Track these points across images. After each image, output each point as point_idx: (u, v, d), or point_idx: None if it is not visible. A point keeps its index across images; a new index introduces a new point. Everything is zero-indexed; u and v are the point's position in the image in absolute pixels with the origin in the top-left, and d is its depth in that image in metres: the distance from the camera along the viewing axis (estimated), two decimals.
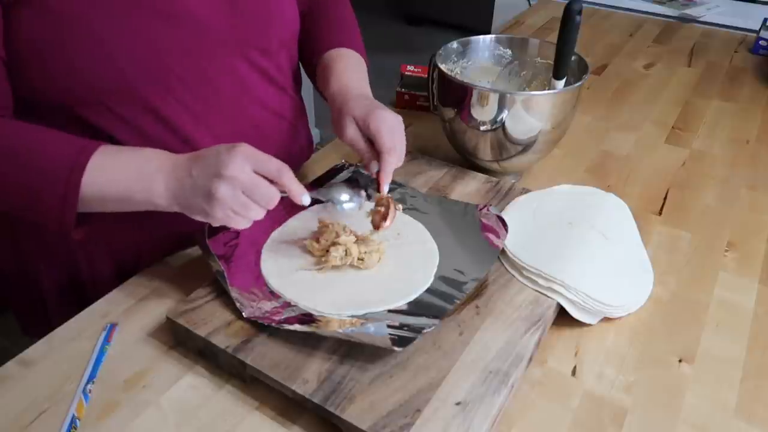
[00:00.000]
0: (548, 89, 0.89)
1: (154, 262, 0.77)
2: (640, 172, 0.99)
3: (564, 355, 0.67)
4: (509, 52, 1.00)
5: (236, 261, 0.70)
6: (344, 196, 0.70)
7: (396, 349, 0.57)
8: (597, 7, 1.78)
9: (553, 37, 0.87)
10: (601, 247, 0.76)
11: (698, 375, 0.65)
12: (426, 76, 0.96)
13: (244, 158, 0.59)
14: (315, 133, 2.21)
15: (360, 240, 0.71)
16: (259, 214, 0.62)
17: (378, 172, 0.71)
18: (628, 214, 0.83)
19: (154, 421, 0.58)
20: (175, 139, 0.71)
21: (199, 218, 0.62)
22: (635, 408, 0.61)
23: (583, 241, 0.76)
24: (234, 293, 0.65)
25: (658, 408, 0.62)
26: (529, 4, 2.02)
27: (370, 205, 0.73)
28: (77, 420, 0.58)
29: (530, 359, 0.63)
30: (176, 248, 0.79)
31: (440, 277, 0.69)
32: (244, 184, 0.59)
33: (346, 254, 0.69)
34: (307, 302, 0.65)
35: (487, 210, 0.78)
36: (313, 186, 0.84)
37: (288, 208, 0.73)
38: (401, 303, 0.65)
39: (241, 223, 0.62)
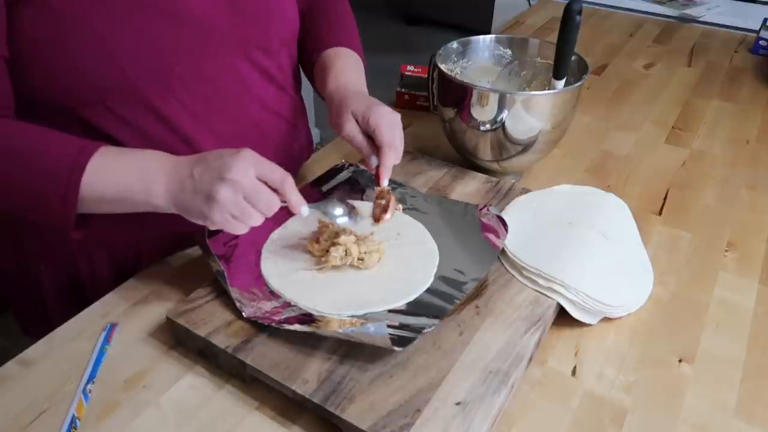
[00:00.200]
0: (548, 89, 0.89)
1: (153, 262, 0.77)
2: (640, 172, 0.99)
3: (564, 355, 0.67)
4: (509, 52, 1.00)
5: (236, 261, 0.70)
6: (338, 210, 0.70)
7: (396, 349, 0.57)
8: (597, 7, 1.78)
9: (553, 37, 0.87)
10: (601, 247, 0.76)
11: (698, 375, 0.65)
12: (426, 76, 0.96)
13: (248, 164, 0.59)
14: (315, 133, 2.21)
15: (360, 240, 0.71)
16: (258, 220, 0.62)
17: (378, 167, 0.72)
18: (628, 214, 0.83)
19: (154, 421, 0.58)
20: (175, 138, 0.71)
21: (196, 221, 0.62)
22: (635, 408, 0.61)
23: (583, 241, 0.76)
24: (234, 293, 0.65)
25: (658, 408, 0.62)
26: (529, 4, 2.02)
27: (363, 223, 0.73)
28: (77, 420, 0.58)
29: (530, 359, 0.63)
30: (176, 248, 0.79)
31: (440, 277, 0.69)
32: (246, 190, 0.59)
33: (346, 254, 0.69)
34: (307, 302, 0.65)
35: (487, 210, 0.78)
36: (313, 185, 0.84)
37: (288, 208, 0.73)
38: (401, 303, 0.65)
39: (238, 228, 0.62)
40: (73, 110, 0.66)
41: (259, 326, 0.63)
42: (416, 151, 0.96)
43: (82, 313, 0.70)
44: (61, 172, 0.60)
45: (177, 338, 0.66)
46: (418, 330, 0.60)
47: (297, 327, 0.61)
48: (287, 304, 0.66)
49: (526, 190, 0.86)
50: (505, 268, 0.73)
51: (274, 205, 0.61)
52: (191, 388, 0.62)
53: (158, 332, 0.67)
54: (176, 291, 0.72)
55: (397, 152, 0.71)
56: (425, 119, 1.11)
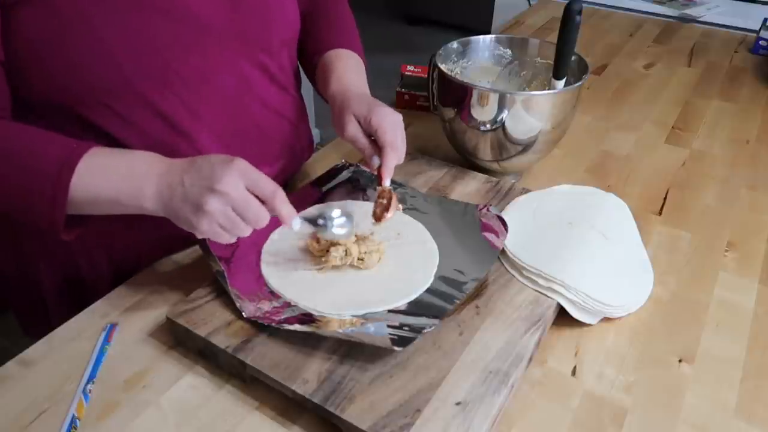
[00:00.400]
0: (548, 89, 0.89)
1: (153, 262, 0.77)
2: (640, 172, 0.99)
3: (564, 355, 0.67)
4: (509, 52, 1.00)
5: (236, 261, 0.70)
6: (336, 212, 0.70)
7: (396, 349, 0.57)
8: (597, 7, 1.78)
9: (553, 37, 0.87)
10: (601, 247, 0.76)
11: (698, 375, 0.65)
12: (426, 76, 0.96)
13: (239, 175, 0.58)
14: (315, 133, 2.21)
15: (360, 240, 0.71)
16: (246, 232, 0.61)
17: (380, 167, 0.72)
18: (628, 214, 0.83)
19: (154, 421, 0.58)
20: (174, 136, 0.71)
21: (183, 227, 0.61)
22: (635, 408, 0.61)
23: (583, 241, 0.76)
24: (234, 293, 0.65)
25: (658, 408, 0.62)
26: (529, 4, 2.02)
27: (363, 224, 0.72)
28: (77, 420, 0.58)
29: (530, 359, 0.63)
30: (176, 248, 0.79)
31: (440, 277, 0.69)
32: (236, 202, 0.59)
33: (346, 254, 0.69)
34: (307, 302, 0.65)
35: (487, 210, 0.78)
36: (314, 185, 0.84)
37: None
38: (401, 303, 0.65)
39: (224, 239, 0.62)
40: (72, 109, 0.66)
41: (259, 326, 0.63)
42: (416, 151, 0.96)
43: (82, 313, 0.70)
44: (51, 173, 0.59)
45: (177, 338, 0.66)
46: (418, 330, 0.60)
47: (297, 327, 0.61)
48: (287, 304, 0.66)
49: (526, 190, 0.86)
50: (505, 268, 0.73)
51: (263, 218, 0.61)
52: (191, 388, 0.62)
53: (158, 332, 0.67)
54: (176, 291, 0.72)
55: (399, 152, 0.72)
56: (425, 119, 1.11)
